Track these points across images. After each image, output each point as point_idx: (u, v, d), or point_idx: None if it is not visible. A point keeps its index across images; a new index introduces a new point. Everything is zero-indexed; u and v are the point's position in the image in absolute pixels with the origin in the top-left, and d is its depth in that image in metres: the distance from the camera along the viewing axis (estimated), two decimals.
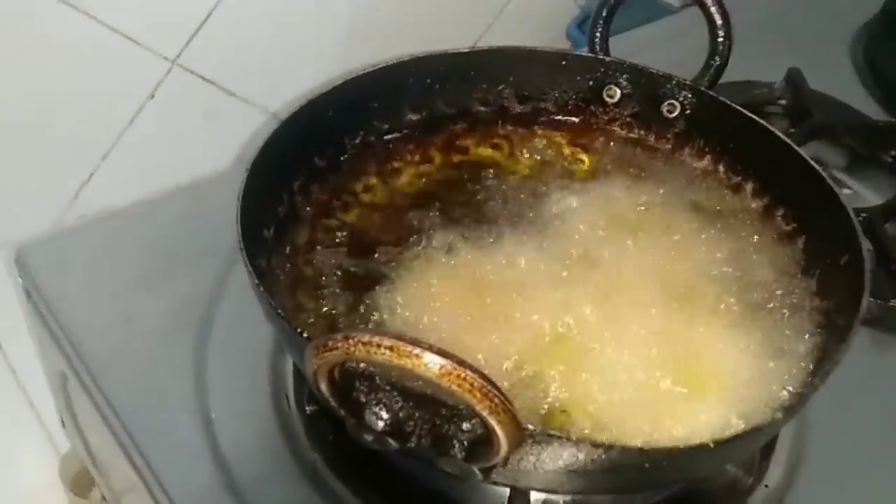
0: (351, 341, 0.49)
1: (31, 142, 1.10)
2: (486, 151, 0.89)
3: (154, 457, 0.73)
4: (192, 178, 1.01)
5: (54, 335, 0.82)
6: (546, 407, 0.66)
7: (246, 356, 0.79)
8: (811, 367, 0.70)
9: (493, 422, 0.50)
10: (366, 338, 0.49)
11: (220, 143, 1.16)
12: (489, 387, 0.49)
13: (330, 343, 0.50)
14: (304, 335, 0.59)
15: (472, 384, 0.49)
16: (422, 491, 0.72)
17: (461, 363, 0.49)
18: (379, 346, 0.48)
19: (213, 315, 0.81)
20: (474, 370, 0.49)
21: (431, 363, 0.48)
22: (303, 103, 0.79)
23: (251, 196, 0.70)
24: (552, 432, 0.55)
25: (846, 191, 1.07)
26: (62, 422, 0.95)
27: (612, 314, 0.72)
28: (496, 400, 0.49)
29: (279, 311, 0.61)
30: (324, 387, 0.54)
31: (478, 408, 0.49)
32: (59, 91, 1.05)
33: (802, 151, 0.81)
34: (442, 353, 0.49)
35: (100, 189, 1.19)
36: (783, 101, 1.13)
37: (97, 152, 1.15)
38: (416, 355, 0.48)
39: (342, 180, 0.83)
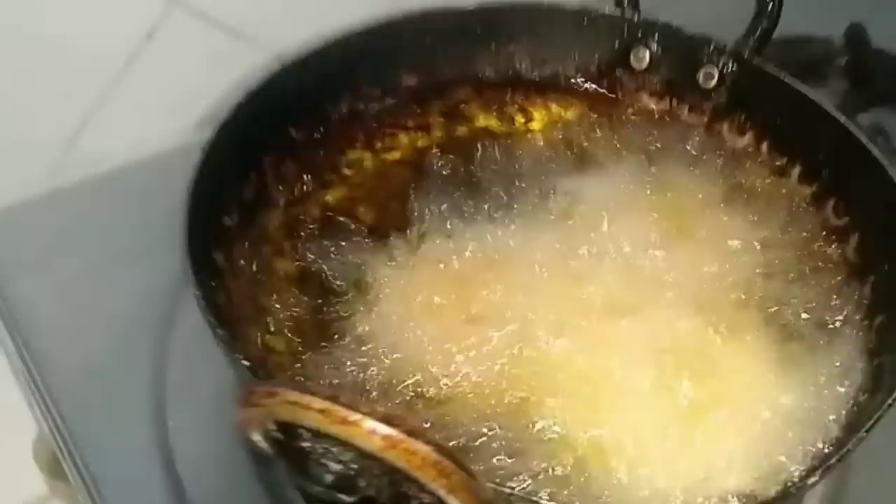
0: (275, 399, 0.40)
1: (24, 87, 1.04)
2: (493, 122, 0.78)
3: (99, 470, 0.64)
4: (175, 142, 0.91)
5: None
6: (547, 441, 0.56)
7: (212, 358, 0.70)
8: (856, 406, 0.59)
9: (451, 502, 0.40)
10: (292, 396, 0.39)
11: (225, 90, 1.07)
12: (445, 461, 0.39)
13: (252, 398, 0.41)
14: (245, 363, 0.50)
15: (423, 458, 0.39)
16: None
17: (411, 433, 0.39)
18: (308, 407, 0.39)
19: (177, 309, 0.71)
20: (427, 441, 0.39)
21: (373, 432, 0.39)
22: (275, 70, 0.68)
23: (207, 180, 0.61)
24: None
25: None
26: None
27: (620, 327, 0.62)
28: (454, 477, 0.40)
29: (220, 332, 0.52)
30: (256, 437, 0.45)
31: (431, 486, 0.40)
32: (53, 35, 0.97)
33: (861, 134, 0.69)
34: (388, 419, 0.39)
35: (96, 136, 1.12)
36: (842, 61, 0.99)
37: (93, 97, 1.07)
38: (354, 422, 0.38)
39: (324, 156, 0.73)
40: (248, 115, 0.66)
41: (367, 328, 0.63)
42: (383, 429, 0.38)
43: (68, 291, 0.75)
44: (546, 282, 0.64)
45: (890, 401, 0.53)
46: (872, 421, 0.52)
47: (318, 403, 0.39)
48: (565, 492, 0.54)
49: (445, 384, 0.59)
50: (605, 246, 0.67)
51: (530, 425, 0.56)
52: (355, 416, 0.38)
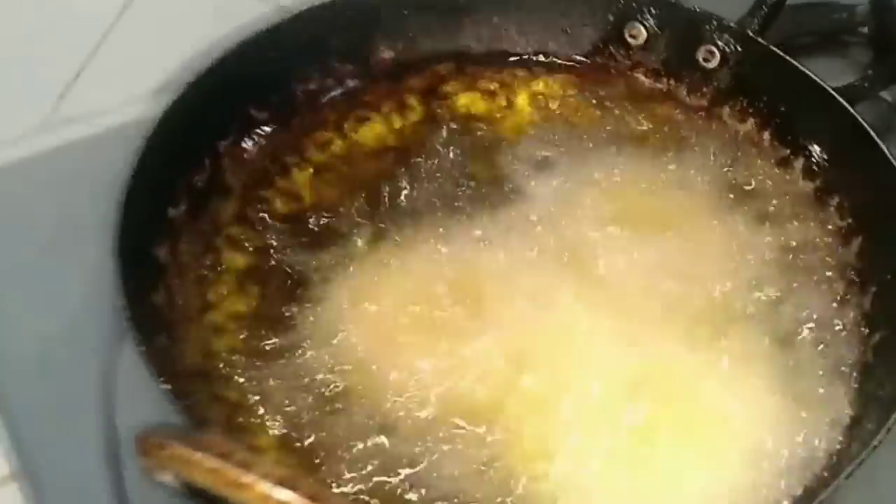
0: (165, 452, 0.36)
1: (11, 39, 0.99)
2: (475, 101, 0.72)
3: (41, 461, 0.60)
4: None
5: None
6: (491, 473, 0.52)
7: None
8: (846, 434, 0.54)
9: None
10: (182, 453, 0.35)
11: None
12: None
13: (144, 447, 0.37)
14: (166, 387, 0.46)
15: None
16: None
17: (312, 497, 0.35)
18: (198, 465, 0.35)
19: None
20: None
21: (266, 498, 0.35)
22: (232, 45, 0.63)
23: (148, 171, 0.56)
24: None
25: None
26: None
27: (592, 342, 0.57)
28: None
29: (142, 348, 0.48)
30: (165, 478, 0.41)
31: None
32: None
33: (869, 128, 0.62)
34: (286, 481, 0.35)
35: (87, 89, 1.08)
36: (866, 29, 0.91)
37: (83, 50, 1.03)
38: (246, 485, 0.34)
39: (288, 138, 0.68)
40: (202, 95, 0.61)
41: (321, 329, 0.59)
42: (279, 493, 0.34)
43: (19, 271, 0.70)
44: (514, 294, 0.59)
45: (865, 454, 0.48)
46: (848, 471, 0.47)
47: (209, 462, 0.35)
48: None
49: (394, 399, 0.55)
50: (580, 250, 0.62)
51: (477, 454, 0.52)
52: (248, 479, 0.34)
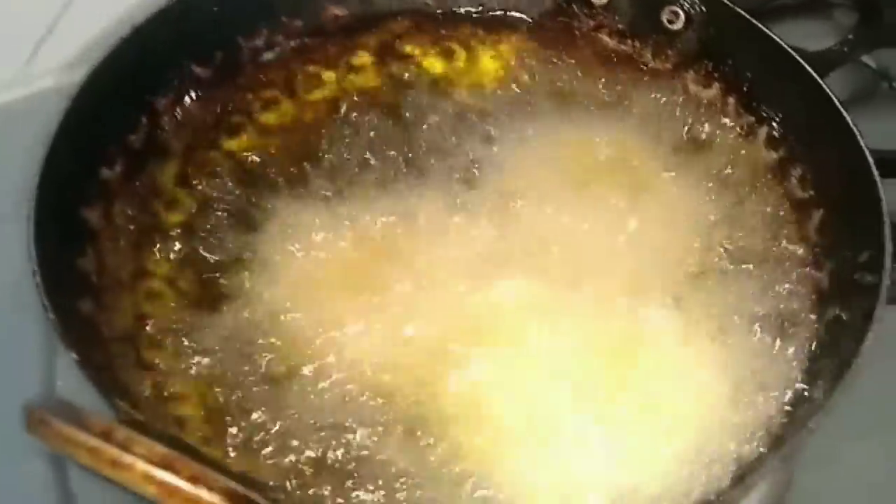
0: (48, 430, 0.34)
1: None
2: (432, 61, 0.69)
3: None
4: None
5: None
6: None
7: None
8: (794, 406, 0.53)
9: None
10: (64, 430, 0.33)
11: None
12: None
13: (29, 425, 0.35)
14: (75, 357, 0.44)
15: None
16: None
17: (194, 479, 0.33)
18: (78, 444, 0.33)
19: None
20: (215, 488, 0.33)
21: (147, 478, 0.33)
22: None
23: (76, 131, 0.54)
24: None
25: None
26: None
27: (538, 321, 0.55)
28: None
29: (52, 317, 0.46)
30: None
31: None
32: None
33: (835, 97, 0.60)
34: (168, 462, 0.33)
35: (60, 45, 1.05)
36: None
37: (55, 4, 1.00)
38: (126, 465, 0.33)
39: (233, 97, 0.65)
40: (137, 50, 0.59)
41: (257, 294, 0.57)
42: (160, 474, 0.33)
43: None
44: (458, 266, 0.57)
45: (811, 423, 0.46)
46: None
47: (89, 441, 0.33)
48: None
49: (330, 364, 0.54)
50: (534, 221, 0.59)
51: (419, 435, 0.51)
52: (127, 459, 0.33)
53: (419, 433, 0.51)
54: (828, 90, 0.61)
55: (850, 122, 0.59)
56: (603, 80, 0.68)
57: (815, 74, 0.61)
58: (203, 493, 0.33)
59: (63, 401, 0.35)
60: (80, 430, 0.33)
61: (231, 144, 0.64)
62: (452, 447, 0.51)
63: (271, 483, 0.46)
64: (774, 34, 0.63)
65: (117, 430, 0.33)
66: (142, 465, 0.33)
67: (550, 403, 0.53)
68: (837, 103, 0.60)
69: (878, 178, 0.56)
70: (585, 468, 0.51)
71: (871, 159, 0.56)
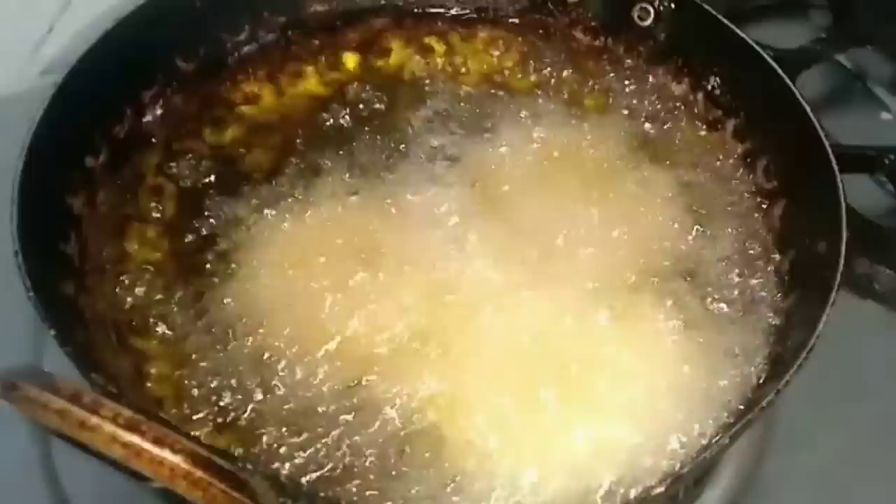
0: (16, 393, 0.36)
1: None
2: (410, 56, 0.71)
3: None
4: None
5: None
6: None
7: None
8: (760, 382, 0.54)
9: None
10: (31, 392, 0.35)
11: None
12: (198, 472, 0.35)
13: (1, 392, 0.37)
14: (52, 332, 0.46)
15: (172, 469, 0.35)
16: None
17: (158, 441, 0.35)
18: (46, 407, 0.35)
19: None
20: (179, 450, 0.35)
21: (113, 440, 0.35)
22: None
23: (61, 118, 0.56)
24: None
25: (885, 115, 0.86)
26: None
27: (504, 300, 0.57)
28: (211, 489, 0.36)
29: (32, 295, 0.47)
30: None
31: (188, 498, 0.36)
32: None
33: (799, 93, 0.62)
34: (133, 424, 0.35)
35: (62, 41, 1.07)
36: None
37: (55, 4, 1.02)
38: (92, 427, 0.35)
39: (216, 90, 0.67)
40: (120, 44, 0.61)
41: (236, 280, 0.59)
42: (125, 436, 0.35)
43: None
44: (433, 258, 0.59)
45: (772, 395, 0.48)
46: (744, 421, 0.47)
47: (56, 403, 0.35)
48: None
49: (308, 349, 0.55)
50: (497, 207, 0.61)
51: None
52: (94, 421, 0.34)
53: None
54: (791, 85, 0.62)
55: (810, 114, 0.60)
56: (576, 75, 0.71)
57: (779, 70, 0.63)
58: (167, 455, 0.35)
59: (35, 368, 0.37)
60: (50, 393, 0.35)
61: (213, 136, 0.66)
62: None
63: (236, 451, 0.48)
64: (741, 31, 0.65)
65: (85, 394, 0.35)
66: (108, 427, 0.34)
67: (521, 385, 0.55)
68: (799, 96, 0.61)
69: (836, 171, 0.58)
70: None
71: (830, 152, 0.58)
